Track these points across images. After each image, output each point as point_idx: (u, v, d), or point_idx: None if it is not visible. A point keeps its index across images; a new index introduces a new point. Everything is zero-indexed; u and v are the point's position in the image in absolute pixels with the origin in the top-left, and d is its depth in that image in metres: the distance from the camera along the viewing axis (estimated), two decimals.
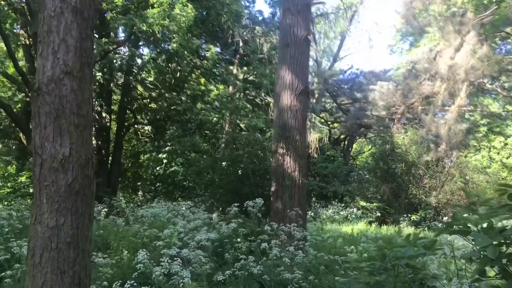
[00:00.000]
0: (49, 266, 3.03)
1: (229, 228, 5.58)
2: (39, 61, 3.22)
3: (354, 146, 33.18)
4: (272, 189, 8.04)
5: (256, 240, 5.42)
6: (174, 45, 14.52)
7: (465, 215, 1.87)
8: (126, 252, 6.50)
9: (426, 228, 15.33)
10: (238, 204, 6.19)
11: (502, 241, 1.62)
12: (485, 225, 1.82)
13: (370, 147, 30.78)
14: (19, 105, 17.81)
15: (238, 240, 5.89)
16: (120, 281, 3.76)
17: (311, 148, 20.56)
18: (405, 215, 17.65)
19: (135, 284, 3.63)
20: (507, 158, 30.86)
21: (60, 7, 3.21)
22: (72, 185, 3.12)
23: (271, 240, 5.51)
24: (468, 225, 1.86)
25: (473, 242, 1.92)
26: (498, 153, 31.28)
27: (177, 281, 3.58)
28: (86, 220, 3.24)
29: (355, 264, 1.94)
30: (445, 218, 15.75)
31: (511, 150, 30.99)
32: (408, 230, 14.74)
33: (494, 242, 1.67)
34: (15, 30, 16.82)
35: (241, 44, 18.40)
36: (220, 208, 11.14)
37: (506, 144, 31.07)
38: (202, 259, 4.30)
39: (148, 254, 4.09)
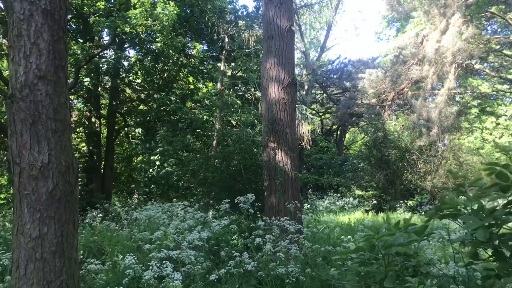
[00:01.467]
0: (34, 277, 2.95)
1: (219, 225, 5.49)
2: (10, 67, 3.12)
3: (347, 135, 33.21)
4: (265, 183, 7.96)
5: (250, 236, 5.36)
6: (159, 44, 14.38)
7: (454, 197, 1.81)
8: (121, 256, 6.42)
9: (423, 213, 15.35)
10: (229, 200, 6.11)
11: (493, 222, 1.56)
12: (475, 206, 1.76)
13: (362, 135, 30.79)
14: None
15: (233, 237, 5.82)
16: (117, 286, 3.67)
17: (303, 140, 20.52)
18: (401, 201, 17.66)
19: None
20: (499, 138, 30.99)
21: (29, 9, 3.11)
22: (53, 192, 3.03)
23: (265, 235, 5.45)
24: (458, 207, 1.80)
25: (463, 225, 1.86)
26: (490, 134, 31.42)
27: (168, 284, 3.50)
28: (70, 227, 3.15)
29: (343, 255, 1.88)
30: None
31: (503, 130, 31.12)
32: (405, 216, 14.75)
33: (485, 224, 1.60)
34: None
35: (226, 40, 18.27)
36: (216, 206, 11.07)
37: (498, 124, 31.20)
38: (193, 259, 4.22)
39: (135, 258, 4.00)
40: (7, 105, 3.06)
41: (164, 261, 3.74)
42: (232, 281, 4.42)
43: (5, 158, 19.36)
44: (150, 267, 3.64)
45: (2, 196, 18.77)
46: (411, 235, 1.96)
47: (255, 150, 10.99)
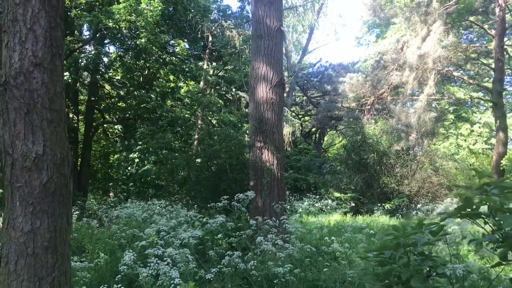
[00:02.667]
0: (25, 273, 2.81)
1: (211, 225, 5.41)
2: (4, 53, 2.97)
3: (326, 138, 33.44)
4: (251, 183, 7.91)
5: (240, 236, 5.29)
6: (143, 40, 14.14)
7: (477, 197, 1.79)
8: (103, 254, 6.26)
9: (400, 217, 15.55)
10: (218, 199, 6.03)
11: None
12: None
13: (341, 139, 31.07)
14: None
15: (219, 236, 5.75)
16: (103, 285, 3.55)
17: (285, 142, 20.54)
18: (378, 204, 17.87)
19: (122, 287, 3.44)
20: (473, 144, 31.73)
21: None
22: (47, 185, 2.91)
23: (254, 235, 5.39)
24: (474, 207, 1.79)
25: (484, 226, 1.85)
26: (465, 140, 32.13)
27: (165, 282, 3.41)
28: (64, 222, 3.03)
29: (363, 255, 1.84)
30: (418, 206, 15.97)
31: (477, 136, 31.87)
32: (383, 219, 14.94)
33: None
34: None
35: (210, 39, 18.15)
36: (195, 206, 10.96)
37: (472, 131, 31.93)
38: (189, 257, 4.14)
39: (134, 255, 3.88)
40: (0, 93, 2.92)
41: (164, 258, 3.65)
42: (222, 279, 4.35)
43: None
44: (149, 265, 3.53)
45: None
46: (427, 234, 1.94)
47: (240, 149, 10.93)
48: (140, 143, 16.27)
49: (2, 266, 2.87)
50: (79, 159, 18.39)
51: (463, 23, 20.07)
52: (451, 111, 29.93)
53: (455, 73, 21.72)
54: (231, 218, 6.34)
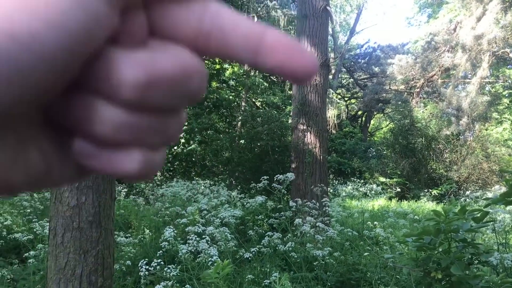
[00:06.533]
0: (71, 246, 2.94)
1: (251, 204, 5.45)
2: None
3: (372, 122, 32.74)
4: (293, 165, 7.88)
5: (280, 217, 5.30)
6: None
7: None
8: (148, 231, 6.46)
9: (448, 203, 15.09)
10: (259, 181, 6.05)
11: None
12: None
13: (388, 122, 30.33)
14: None
15: (261, 217, 5.78)
16: (145, 259, 3.67)
17: (329, 125, 20.30)
18: (425, 190, 17.40)
19: (161, 262, 3.55)
20: None
21: None
22: None
23: (294, 217, 5.39)
24: None
25: None
26: None
27: (204, 259, 3.48)
28: (108, 198, 3.13)
29: (401, 239, 1.79)
30: (467, 192, 15.40)
31: None
32: (429, 205, 14.55)
33: None
34: None
35: (255, 20, 18.04)
36: (239, 186, 11.07)
37: None
38: (228, 236, 4.20)
39: (174, 231, 3.98)
40: None
41: (203, 236, 3.72)
42: (261, 259, 4.39)
43: None
44: (189, 242, 3.62)
45: None
46: (469, 221, 1.85)
47: (282, 132, 10.89)
48: (186, 123, 16.54)
49: (50, 238, 3.02)
50: None
51: None
52: (506, 95, 28.45)
53: (511, 55, 20.58)
54: (272, 199, 6.36)
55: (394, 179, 18.49)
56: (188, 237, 3.76)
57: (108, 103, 0.24)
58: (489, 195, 11.82)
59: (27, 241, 5.11)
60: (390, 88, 23.46)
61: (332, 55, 25.52)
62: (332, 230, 4.94)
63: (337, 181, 19.48)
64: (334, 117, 20.55)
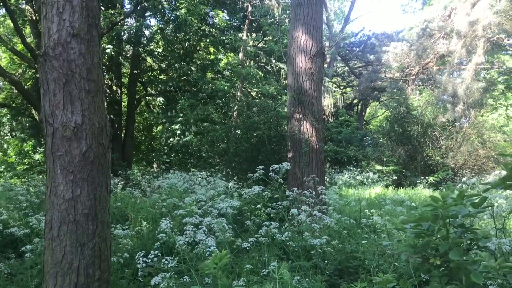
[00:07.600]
0: (67, 239, 2.92)
1: (248, 194, 5.43)
2: (43, 24, 3.02)
3: (368, 110, 32.74)
4: (289, 155, 7.87)
5: (278, 207, 5.29)
6: (183, 11, 14.08)
7: None
8: (145, 223, 6.45)
9: (445, 189, 15.10)
10: (256, 171, 6.03)
11: None
12: None
13: (383, 110, 30.32)
14: (30, 82, 17.73)
15: (258, 206, 5.77)
16: (142, 251, 3.65)
17: (325, 113, 20.27)
18: (422, 178, 17.45)
19: (159, 254, 3.53)
20: None
21: None
22: (86, 154, 2.97)
23: (291, 206, 5.38)
24: None
25: None
26: None
27: (202, 250, 3.47)
28: (103, 190, 3.11)
29: (399, 226, 1.77)
30: (463, 179, 15.42)
31: None
32: (426, 192, 14.59)
33: None
34: (21, 6, 16.49)
35: (249, 9, 17.92)
36: (236, 177, 11.06)
37: None
38: (226, 227, 4.18)
39: (171, 223, 3.96)
40: (40, 64, 2.98)
41: (200, 227, 3.70)
42: (259, 249, 4.38)
43: (27, 124, 19.58)
44: (186, 233, 3.60)
45: (26, 161, 19.08)
46: (468, 206, 1.84)
47: (278, 121, 10.86)
48: (182, 115, 16.47)
49: (46, 231, 3.00)
50: (123, 131, 18.87)
51: None
52: (501, 81, 28.46)
53: (506, 41, 20.53)
54: (269, 189, 6.35)
55: (391, 167, 18.52)
56: (185, 227, 3.74)
57: None
58: (489, 178, 11.85)
59: (24, 235, 5.09)
60: (385, 76, 23.41)
61: (327, 43, 25.38)
62: (329, 219, 4.94)
63: (333, 170, 19.50)
64: (330, 105, 20.53)
